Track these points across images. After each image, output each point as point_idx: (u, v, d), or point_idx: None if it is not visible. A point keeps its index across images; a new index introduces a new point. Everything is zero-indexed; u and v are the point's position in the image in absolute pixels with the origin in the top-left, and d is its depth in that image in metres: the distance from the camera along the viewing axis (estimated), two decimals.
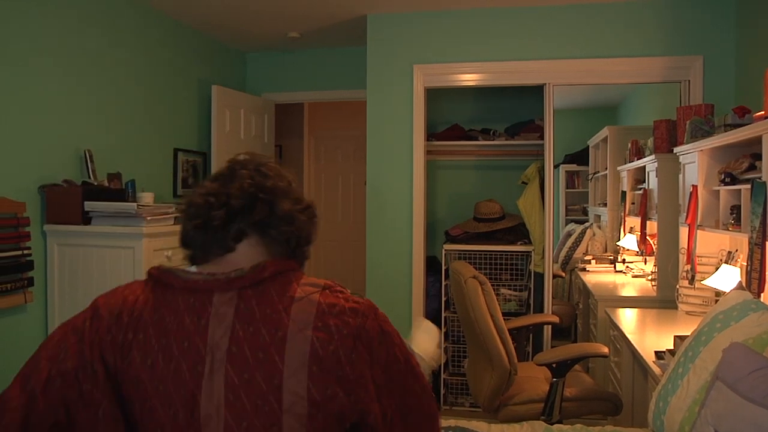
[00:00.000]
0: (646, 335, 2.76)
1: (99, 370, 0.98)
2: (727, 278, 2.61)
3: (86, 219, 2.97)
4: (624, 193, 4.43)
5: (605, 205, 4.75)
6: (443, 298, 4.27)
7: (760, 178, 2.27)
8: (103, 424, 0.97)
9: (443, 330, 4.19)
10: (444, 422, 2.16)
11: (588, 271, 4.42)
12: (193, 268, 1.09)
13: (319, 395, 0.96)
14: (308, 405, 0.95)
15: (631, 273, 4.22)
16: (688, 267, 3.00)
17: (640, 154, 4.02)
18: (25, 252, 2.85)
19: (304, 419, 0.95)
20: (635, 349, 2.50)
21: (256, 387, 0.95)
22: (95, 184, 3.15)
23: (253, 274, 1.01)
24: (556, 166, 4.28)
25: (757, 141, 2.29)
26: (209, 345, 0.97)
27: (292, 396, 0.95)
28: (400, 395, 1.03)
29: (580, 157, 5.11)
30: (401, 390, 1.03)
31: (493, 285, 2.98)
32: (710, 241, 2.95)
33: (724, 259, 2.84)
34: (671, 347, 2.31)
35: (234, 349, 0.96)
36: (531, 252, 4.17)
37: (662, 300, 3.39)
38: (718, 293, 2.83)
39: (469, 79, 4.01)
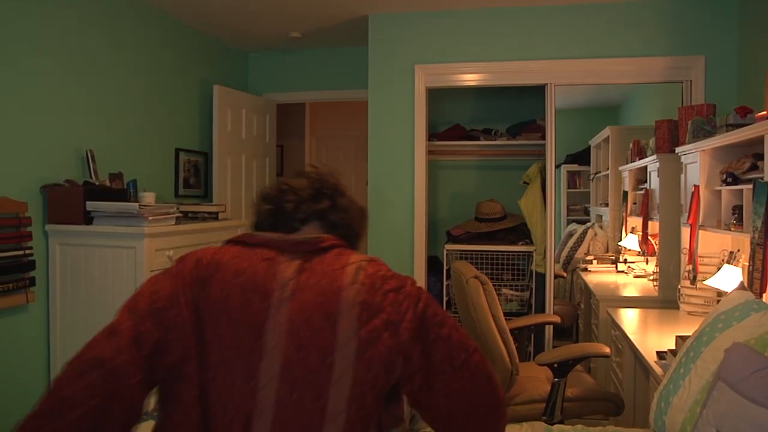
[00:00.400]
0: (648, 335, 2.76)
1: (187, 299, 1.16)
2: (728, 278, 2.60)
3: (88, 219, 2.98)
4: (625, 193, 4.43)
5: (607, 205, 4.75)
6: (445, 298, 4.26)
7: (762, 178, 2.26)
8: (187, 342, 1.13)
9: None
10: None
11: (589, 271, 4.42)
12: None
13: (366, 335, 1.12)
14: (357, 343, 1.11)
15: (632, 273, 4.21)
16: (690, 267, 2.99)
17: (641, 154, 4.01)
18: (27, 252, 2.85)
19: (353, 357, 1.10)
20: (637, 349, 2.49)
21: (314, 324, 1.12)
22: (97, 184, 3.15)
23: (316, 241, 1.23)
24: (557, 166, 4.28)
25: (759, 141, 2.29)
26: (278, 286, 1.15)
27: (344, 333, 1.11)
28: (434, 344, 1.17)
29: (582, 157, 5.11)
30: (436, 338, 1.18)
31: (494, 285, 2.98)
32: (712, 241, 2.95)
33: (725, 259, 2.83)
34: (673, 347, 2.30)
35: (298, 291, 1.15)
36: (532, 252, 4.17)
37: (664, 300, 3.39)
38: (720, 293, 2.83)
39: (470, 79, 4.01)
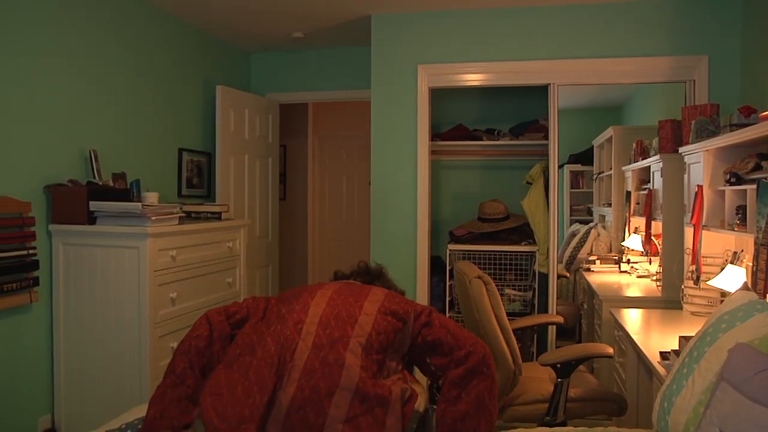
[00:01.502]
0: (651, 336, 2.75)
1: (261, 305, 1.84)
2: (732, 279, 2.60)
3: (91, 219, 2.98)
4: (629, 193, 4.42)
5: (610, 205, 4.74)
6: (447, 298, 4.26)
7: (766, 178, 2.26)
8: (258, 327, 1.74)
9: None
10: None
11: (592, 271, 4.41)
12: None
13: (380, 326, 1.68)
14: (374, 318, 1.69)
15: (635, 273, 4.21)
16: (693, 267, 2.99)
17: (644, 154, 4.01)
18: (31, 252, 2.86)
19: (369, 325, 1.67)
20: (640, 349, 2.49)
21: (340, 317, 1.67)
22: (100, 183, 3.16)
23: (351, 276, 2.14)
24: (560, 166, 4.27)
25: (763, 141, 2.29)
26: (320, 294, 1.77)
27: (361, 326, 1.66)
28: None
29: (585, 157, 5.09)
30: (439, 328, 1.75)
31: (497, 285, 2.97)
32: (715, 242, 2.94)
33: (729, 259, 2.82)
34: (676, 348, 2.30)
35: (334, 296, 1.75)
36: (535, 252, 4.16)
37: (667, 300, 3.38)
38: (724, 294, 2.82)
39: (473, 79, 4.01)
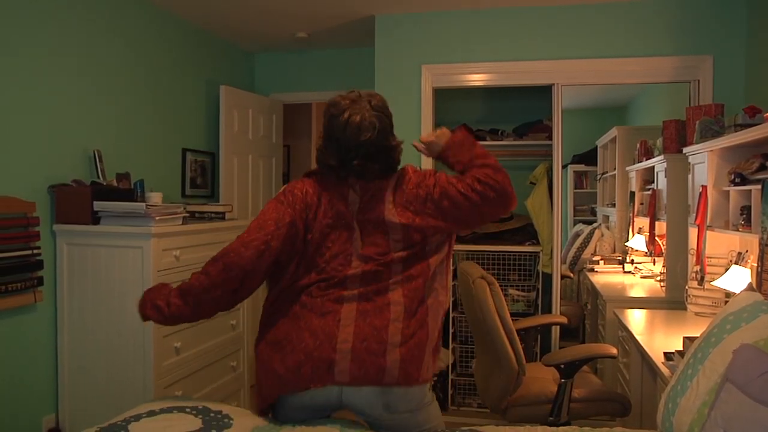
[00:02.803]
0: (655, 336, 2.74)
1: (301, 221, 1.84)
2: (737, 279, 2.59)
3: (95, 219, 2.99)
4: (633, 194, 4.42)
5: (614, 205, 4.74)
6: (451, 299, 4.26)
7: None
8: (299, 246, 1.85)
9: (451, 330, 4.18)
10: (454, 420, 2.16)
11: (596, 271, 4.41)
12: None
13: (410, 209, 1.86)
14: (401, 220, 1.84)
15: (639, 274, 4.20)
16: (698, 268, 2.98)
17: (649, 155, 4.00)
18: (35, 251, 2.87)
19: (400, 232, 1.83)
20: (644, 350, 2.48)
21: (376, 219, 1.84)
22: (104, 184, 3.17)
23: None
24: (564, 167, 4.27)
25: None
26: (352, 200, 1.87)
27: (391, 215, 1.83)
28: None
29: (589, 157, 5.09)
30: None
31: (501, 285, 2.97)
32: (720, 242, 2.93)
33: (733, 260, 2.82)
34: (680, 348, 2.29)
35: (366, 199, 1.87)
36: (539, 252, 4.16)
37: (671, 301, 3.38)
38: (728, 294, 2.82)
39: (477, 79, 4.01)
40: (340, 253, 1.83)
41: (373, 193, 1.87)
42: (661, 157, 3.56)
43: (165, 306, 1.83)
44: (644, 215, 4.11)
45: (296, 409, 1.84)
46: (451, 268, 1.97)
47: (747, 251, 2.73)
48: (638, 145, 4.20)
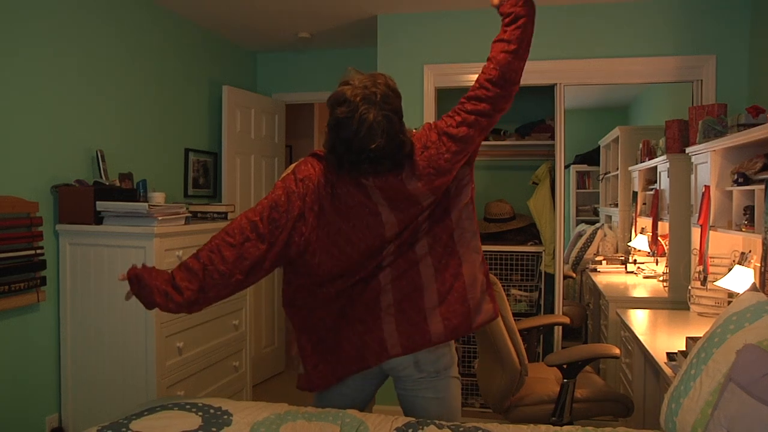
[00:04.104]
0: (658, 336, 2.74)
1: (315, 209, 1.82)
2: (740, 279, 2.59)
3: (98, 219, 2.99)
4: (635, 194, 4.41)
5: (616, 205, 4.73)
6: None
7: None
8: (310, 229, 1.82)
9: None
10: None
11: (599, 271, 4.40)
12: None
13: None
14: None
15: (642, 274, 4.20)
16: (701, 268, 2.98)
17: (651, 155, 4.00)
18: (38, 251, 2.87)
19: (427, 211, 1.86)
20: (647, 350, 2.48)
21: (398, 191, 1.82)
22: (107, 184, 3.17)
23: None
24: (566, 167, 4.26)
25: None
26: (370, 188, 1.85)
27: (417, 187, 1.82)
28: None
29: (591, 157, 5.09)
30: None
31: (503, 286, 2.97)
32: (723, 242, 2.93)
33: (737, 260, 2.81)
34: (683, 348, 2.29)
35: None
36: (541, 252, 4.15)
37: (674, 301, 3.37)
38: (731, 294, 2.81)
39: None
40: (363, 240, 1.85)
41: (390, 183, 1.83)
42: (664, 157, 3.55)
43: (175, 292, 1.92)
44: (647, 215, 4.11)
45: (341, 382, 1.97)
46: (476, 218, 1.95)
47: (750, 251, 2.73)
48: (641, 145, 4.20)
